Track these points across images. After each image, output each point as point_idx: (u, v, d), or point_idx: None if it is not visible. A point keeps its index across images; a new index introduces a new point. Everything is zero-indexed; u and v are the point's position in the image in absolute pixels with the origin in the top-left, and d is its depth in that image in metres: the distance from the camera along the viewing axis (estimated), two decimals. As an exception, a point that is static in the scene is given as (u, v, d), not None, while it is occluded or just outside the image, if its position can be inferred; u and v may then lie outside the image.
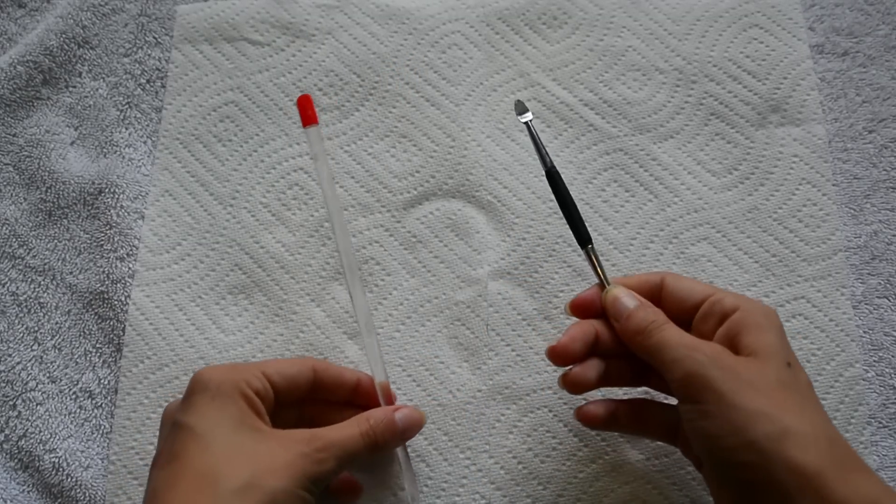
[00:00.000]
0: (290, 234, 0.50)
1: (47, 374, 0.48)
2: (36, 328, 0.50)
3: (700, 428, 0.34)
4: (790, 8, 0.54)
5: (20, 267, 0.52)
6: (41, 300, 0.50)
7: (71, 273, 0.51)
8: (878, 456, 0.43)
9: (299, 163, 0.52)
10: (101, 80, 0.56)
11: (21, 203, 0.53)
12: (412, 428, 0.40)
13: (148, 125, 0.55)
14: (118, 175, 0.52)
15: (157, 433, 0.46)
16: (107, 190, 0.52)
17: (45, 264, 0.51)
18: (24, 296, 0.51)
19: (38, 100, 0.56)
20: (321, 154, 0.44)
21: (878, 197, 0.49)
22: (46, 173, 0.53)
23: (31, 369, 0.49)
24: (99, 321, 0.49)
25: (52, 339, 0.49)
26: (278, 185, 0.52)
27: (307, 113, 0.43)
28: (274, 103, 0.54)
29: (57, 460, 0.46)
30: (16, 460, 0.47)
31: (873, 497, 0.31)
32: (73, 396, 0.48)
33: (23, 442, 0.47)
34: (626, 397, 0.43)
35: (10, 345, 0.49)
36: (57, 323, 0.50)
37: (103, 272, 0.50)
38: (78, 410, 0.48)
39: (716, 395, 0.33)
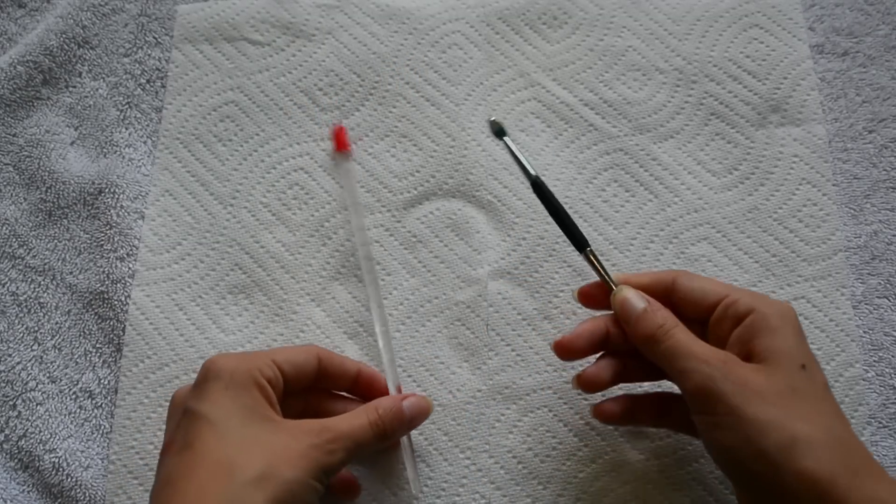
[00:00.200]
0: (290, 234, 0.50)
1: (47, 374, 0.48)
2: (36, 328, 0.50)
3: (713, 439, 0.34)
4: (790, 8, 0.54)
5: (20, 267, 0.52)
6: (41, 300, 0.50)
7: (71, 273, 0.51)
8: (879, 456, 0.43)
9: (299, 163, 0.52)
10: (101, 80, 0.56)
11: (21, 203, 0.53)
12: (420, 416, 0.41)
13: (148, 125, 0.55)
14: (118, 175, 0.52)
15: (158, 432, 0.46)
16: (107, 190, 0.52)
17: (45, 264, 0.51)
18: (24, 296, 0.51)
19: (38, 100, 0.56)
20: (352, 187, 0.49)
21: (878, 197, 0.49)
22: (46, 173, 0.53)
23: (31, 369, 0.49)
24: (99, 321, 0.49)
25: (52, 339, 0.49)
26: (278, 184, 0.52)
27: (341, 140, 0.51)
28: (274, 103, 0.54)
29: (57, 460, 0.46)
30: (16, 460, 0.47)
31: (888, 503, 0.31)
32: (73, 396, 0.48)
33: (23, 442, 0.47)
34: (642, 390, 0.43)
35: (10, 345, 0.49)
36: (57, 323, 0.50)
37: (103, 272, 0.50)
38: (78, 410, 0.47)
39: (726, 407, 0.33)
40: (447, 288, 0.48)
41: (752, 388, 0.33)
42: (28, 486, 0.46)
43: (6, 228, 0.52)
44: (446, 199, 0.51)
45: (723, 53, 0.53)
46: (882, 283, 0.47)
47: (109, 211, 0.51)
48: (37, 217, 0.53)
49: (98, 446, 0.46)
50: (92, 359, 0.49)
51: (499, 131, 0.43)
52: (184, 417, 0.36)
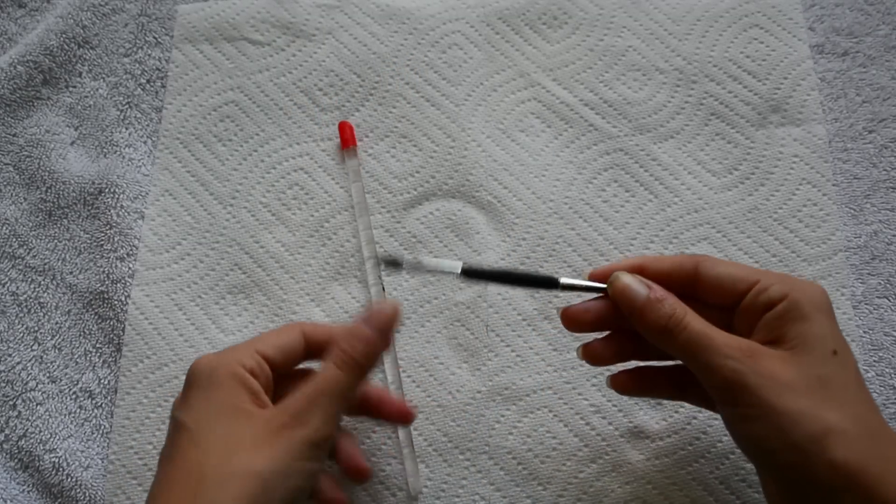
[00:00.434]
0: (290, 234, 0.50)
1: (47, 374, 0.49)
2: (36, 328, 0.50)
3: (741, 430, 0.34)
4: (790, 8, 0.54)
5: (20, 267, 0.52)
6: (41, 300, 0.50)
7: (71, 273, 0.51)
8: (878, 456, 0.43)
9: (299, 163, 0.52)
10: (101, 80, 0.56)
11: (21, 203, 0.53)
12: (385, 323, 0.37)
13: (148, 125, 0.55)
14: (118, 175, 0.52)
15: (157, 432, 0.46)
16: (107, 190, 0.52)
17: (45, 264, 0.51)
18: (24, 296, 0.51)
19: (38, 100, 0.56)
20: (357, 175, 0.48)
21: (878, 197, 0.49)
22: (46, 173, 0.53)
23: (31, 369, 0.49)
24: (99, 321, 0.49)
25: (52, 339, 0.49)
26: (278, 184, 0.52)
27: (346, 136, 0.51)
28: (274, 103, 0.54)
29: (57, 460, 0.46)
30: (16, 460, 0.47)
31: None
32: (73, 396, 0.48)
33: (23, 442, 0.47)
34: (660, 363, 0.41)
35: (10, 345, 0.49)
36: (57, 323, 0.50)
37: (103, 272, 0.50)
38: (78, 410, 0.48)
39: (756, 399, 0.32)
40: (447, 288, 0.48)
41: (781, 379, 0.32)
42: (28, 486, 0.46)
43: (6, 228, 0.52)
44: (446, 200, 0.51)
45: (723, 53, 0.53)
46: (882, 283, 0.47)
47: (109, 211, 0.51)
48: (37, 217, 0.53)
49: (98, 446, 0.46)
50: (92, 359, 0.49)
51: (393, 265, 0.40)
52: (170, 428, 0.36)
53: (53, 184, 0.53)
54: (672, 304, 0.35)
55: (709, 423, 0.44)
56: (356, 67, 0.55)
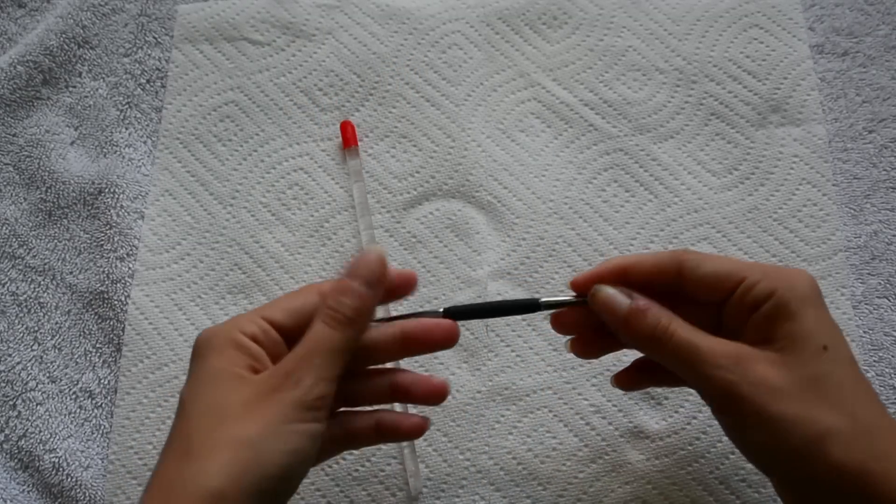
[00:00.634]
0: (289, 234, 0.50)
1: (47, 374, 0.49)
2: (36, 328, 0.50)
3: (739, 437, 0.34)
4: (790, 8, 0.54)
5: (20, 267, 0.52)
6: (41, 300, 0.50)
7: (71, 273, 0.51)
8: (878, 456, 0.43)
9: (299, 163, 0.52)
10: (101, 80, 0.56)
11: (21, 203, 0.53)
12: (371, 273, 0.34)
13: (148, 125, 0.55)
14: (118, 175, 0.52)
15: (157, 432, 0.46)
16: (107, 190, 0.52)
17: (45, 264, 0.51)
18: (24, 296, 0.51)
19: (38, 100, 0.56)
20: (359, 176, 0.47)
21: (878, 197, 0.49)
22: (46, 173, 0.53)
23: (31, 369, 0.49)
24: (99, 321, 0.49)
25: (52, 339, 0.49)
26: (278, 184, 0.52)
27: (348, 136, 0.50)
28: (274, 103, 0.54)
29: (57, 460, 0.46)
30: (16, 460, 0.47)
31: None
32: (73, 396, 0.48)
33: (23, 442, 0.47)
34: None
35: (10, 345, 0.49)
36: (57, 323, 0.50)
37: (103, 272, 0.50)
38: (78, 410, 0.48)
39: (749, 408, 0.32)
40: (447, 289, 0.48)
41: (773, 384, 0.32)
42: (28, 486, 0.46)
43: (6, 228, 0.52)
44: (446, 200, 0.51)
45: (723, 53, 0.53)
46: (882, 283, 0.47)
47: (109, 211, 0.51)
48: (37, 217, 0.53)
49: (98, 446, 0.46)
50: (92, 359, 0.49)
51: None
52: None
53: (53, 184, 0.53)
54: (656, 314, 0.34)
55: (709, 423, 0.44)
56: (356, 67, 0.55)
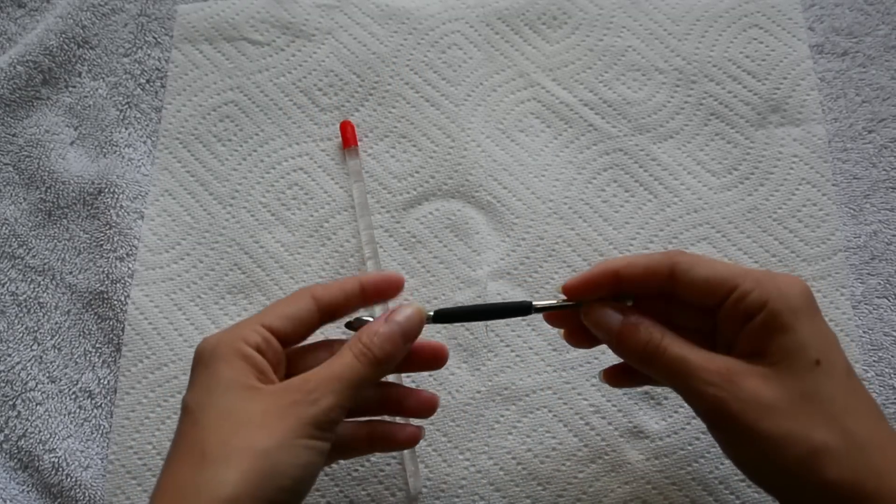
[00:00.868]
0: (289, 234, 0.50)
1: (47, 374, 0.49)
2: (36, 328, 0.50)
3: (731, 454, 0.33)
4: (790, 8, 0.53)
5: (20, 267, 0.52)
6: (41, 300, 0.50)
7: (71, 273, 0.51)
8: (878, 456, 0.43)
9: (299, 163, 0.52)
10: (101, 80, 0.56)
11: (21, 203, 0.53)
12: (412, 325, 0.36)
13: (148, 125, 0.55)
14: (118, 175, 0.52)
15: (156, 432, 0.46)
16: (106, 190, 0.52)
17: (44, 264, 0.51)
18: (24, 296, 0.51)
19: (38, 100, 0.56)
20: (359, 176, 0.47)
21: (877, 197, 0.49)
22: (46, 173, 0.53)
23: (31, 369, 0.49)
24: (98, 321, 0.49)
25: (51, 339, 0.49)
26: (278, 184, 0.52)
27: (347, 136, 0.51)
28: (274, 103, 0.54)
29: (57, 460, 0.46)
30: (16, 460, 0.47)
31: None
32: (73, 396, 0.48)
33: (23, 442, 0.47)
34: None
35: (10, 345, 0.49)
36: (57, 323, 0.50)
37: (103, 272, 0.50)
38: (77, 410, 0.48)
39: (740, 425, 0.31)
40: (446, 289, 0.48)
41: (763, 401, 0.31)
42: (28, 485, 0.46)
43: (6, 228, 0.52)
44: (445, 200, 0.51)
45: (722, 53, 0.53)
46: (882, 283, 0.47)
47: (109, 211, 0.51)
48: (37, 217, 0.53)
49: (98, 446, 0.46)
50: (91, 358, 0.49)
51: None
52: (180, 415, 0.35)
53: (53, 184, 0.53)
54: (648, 329, 0.34)
55: (708, 423, 0.44)
56: (356, 67, 0.55)
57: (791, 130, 0.50)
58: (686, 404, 0.44)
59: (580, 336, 0.38)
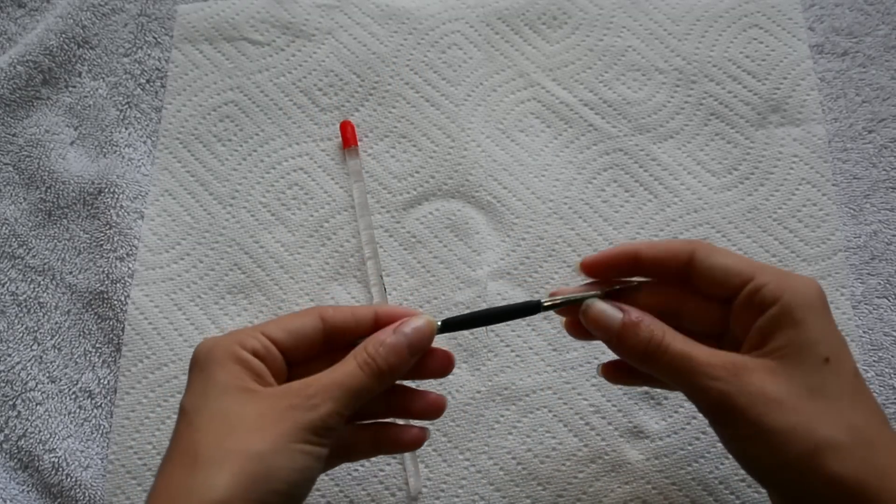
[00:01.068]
0: (289, 234, 0.50)
1: (47, 374, 0.49)
2: (36, 328, 0.50)
3: (736, 449, 0.33)
4: (790, 8, 0.54)
5: (20, 267, 0.52)
6: (41, 300, 0.50)
7: (71, 273, 0.51)
8: (878, 456, 0.43)
9: (299, 163, 0.52)
10: (101, 80, 0.56)
11: (21, 203, 0.53)
12: (419, 341, 0.35)
13: (148, 125, 0.55)
14: (118, 175, 0.52)
15: (156, 432, 0.46)
16: (106, 190, 0.52)
17: (44, 264, 0.51)
18: (24, 296, 0.51)
19: (38, 100, 0.56)
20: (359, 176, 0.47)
21: (877, 197, 0.49)
22: (46, 173, 0.53)
23: (31, 369, 0.49)
24: (98, 321, 0.49)
25: (51, 339, 0.49)
26: (278, 184, 0.52)
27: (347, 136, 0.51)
28: (274, 103, 0.54)
29: (56, 460, 0.46)
30: (16, 460, 0.47)
31: None
32: (73, 396, 0.48)
33: (23, 442, 0.47)
34: None
35: (10, 345, 0.49)
36: (57, 323, 0.50)
37: (103, 272, 0.50)
38: (77, 410, 0.48)
39: (745, 419, 0.31)
40: (446, 289, 0.48)
41: (769, 396, 0.31)
42: (28, 485, 0.46)
43: (6, 228, 0.52)
44: (445, 200, 0.51)
45: (722, 53, 0.53)
46: (882, 283, 0.47)
47: (109, 211, 0.51)
48: (37, 217, 0.53)
49: (98, 446, 0.46)
50: (91, 358, 0.49)
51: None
52: (177, 418, 0.35)
53: (53, 184, 0.53)
54: (649, 327, 0.33)
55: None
56: (356, 67, 0.55)
57: (791, 130, 0.50)
58: (686, 404, 0.44)
59: (580, 330, 0.38)
